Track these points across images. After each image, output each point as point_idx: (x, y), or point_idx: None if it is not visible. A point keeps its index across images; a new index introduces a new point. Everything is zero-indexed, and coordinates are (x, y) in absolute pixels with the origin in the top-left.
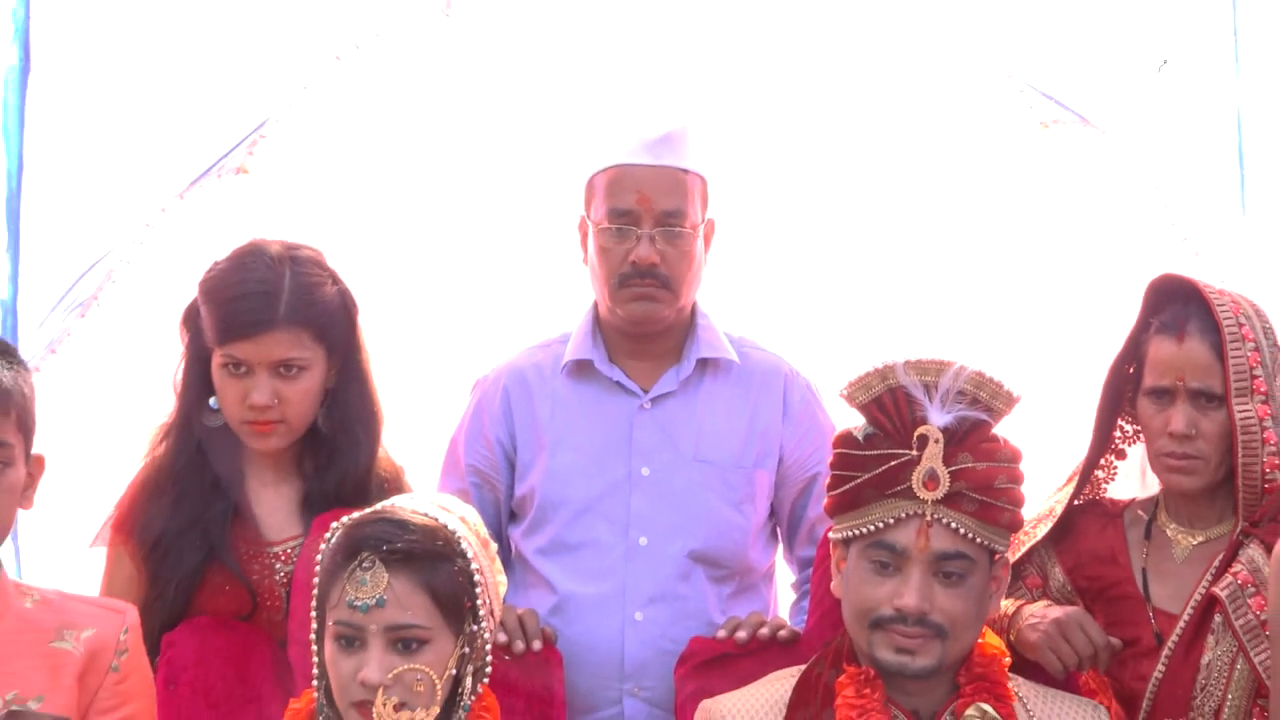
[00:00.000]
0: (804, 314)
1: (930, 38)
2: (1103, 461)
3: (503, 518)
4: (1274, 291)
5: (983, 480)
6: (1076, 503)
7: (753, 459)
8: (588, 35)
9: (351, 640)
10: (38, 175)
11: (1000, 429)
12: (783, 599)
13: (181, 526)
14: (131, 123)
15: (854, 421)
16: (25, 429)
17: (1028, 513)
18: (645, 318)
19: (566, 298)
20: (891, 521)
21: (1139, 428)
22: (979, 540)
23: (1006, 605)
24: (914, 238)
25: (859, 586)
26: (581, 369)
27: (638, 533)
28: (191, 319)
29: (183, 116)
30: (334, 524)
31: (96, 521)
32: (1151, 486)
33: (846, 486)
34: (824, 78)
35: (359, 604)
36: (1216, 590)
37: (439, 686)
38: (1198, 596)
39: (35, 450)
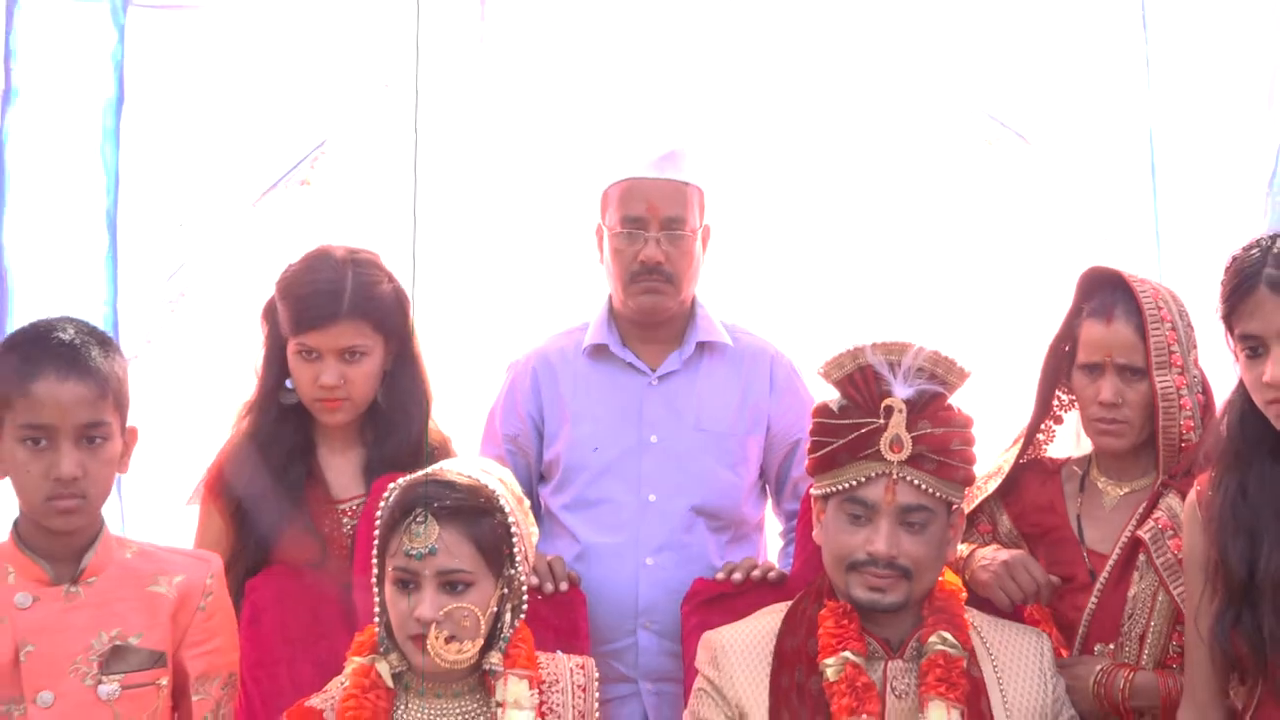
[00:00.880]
0: (787, 304)
1: (898, 70)
2: (1043, 426)
3: (534, 479)
4: (1182, 277)
5: (940, 443)
6: (1021, 461)
7: (745, 428)
8: (603, 66)
9: (407, 583)
10: (131, 191)
11: (955, 400)
12: (771, 546)
13: (263, 488)
14: (210, 143)
15: (830, 395)
16: (120, 407)
17: (979, 470)
18: (653, 308)
19: (586, 292)
20: (863, 480)
21: (1074, 397)
22: (938, 494)
23: (962, 549)
24: (881, 238)
25: (836, 535)
26: (599, 352)
27: (648, 491)
28: (270, 313)
29: (254, 137)
30: (391, 485)
31: (191, 484)
32: (1084, 447)
33: (824, 450)
34: (806, 104)
35: (414, 552)
36: (1141, 533)
37: (483, 622)
38: (1125, 539)
39: (130, 424)
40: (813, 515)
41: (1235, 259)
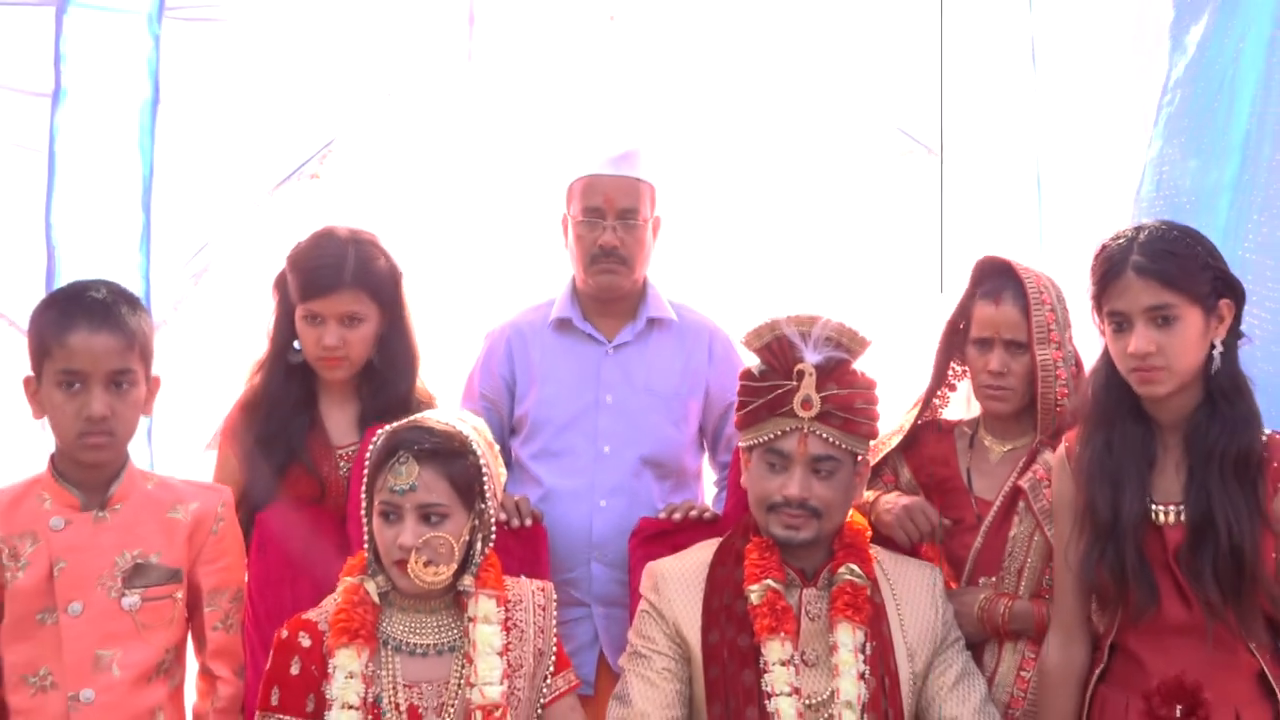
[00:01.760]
0: (725, 286)
1: (824, 90)
2: (939, 392)
3: (505, 432)
4: (1059, 270)
5: (845, 403)
6: (920, 422)
7: (687, 391)
8: (570, 80)
9: (391, 515)
10: (163, 179)
11: (859, 365)
12: (707, 492)
13: (272, 434)
14: (232, 139)
15: (752, 362)
16: (145, 358)
17: (885, 429)
18: (609, 287)
19: (553, 273)
20: (780, 434)
21: (966, 368)
22: (844, 447)
23: (869, 495)
24: (806, 233)
25: (758, 481)
26: (563, 325)
27: (603, 443)
28: (280, 283)
29: (270, 135)
30: (380, 431)
31: (210, 431)
32: (974, 410)
33: (747, 409)
34: (746, 115)
35: (397, 488)
36: (1021, 483)
37: (456, 549)
38: (1007, 488)
39: (154, 374)
40: (741, 465)
41: (1105, 248)
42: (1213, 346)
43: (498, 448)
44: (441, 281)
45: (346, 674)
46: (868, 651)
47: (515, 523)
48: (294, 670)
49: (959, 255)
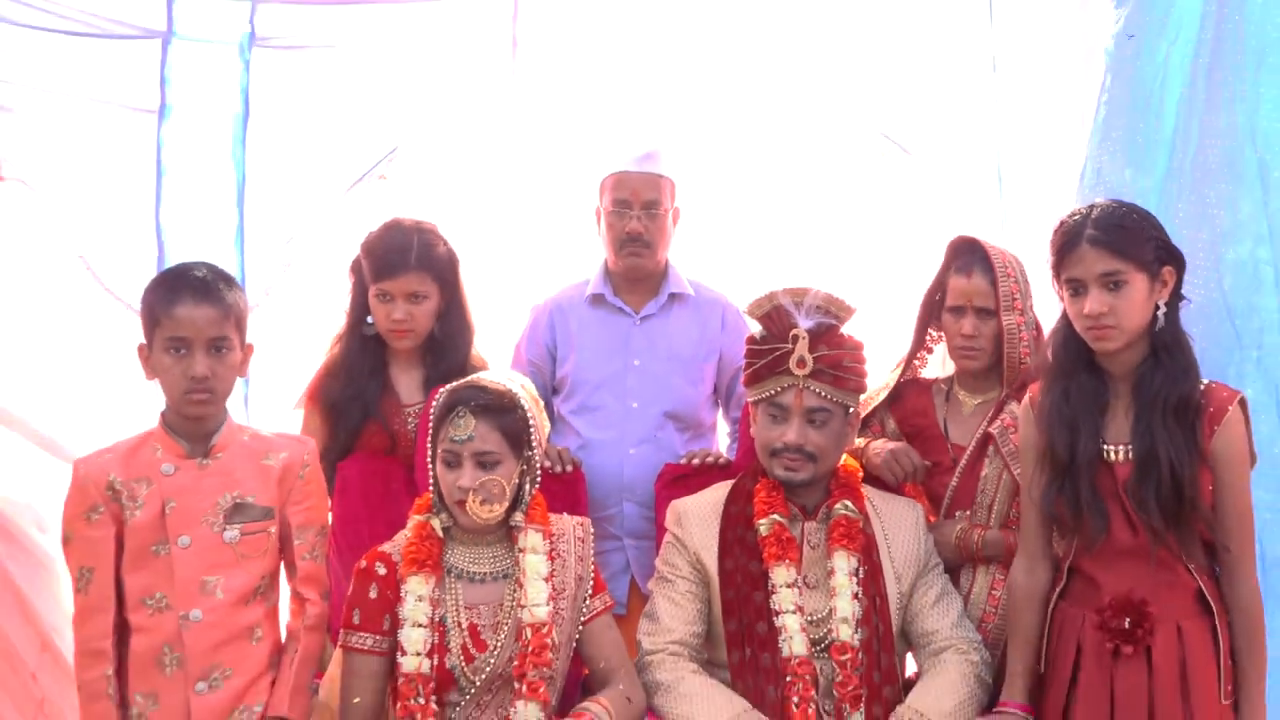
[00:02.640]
0: (735, 266)
1: (817, 100)
2: (919, 355)
3: (548, 392)
4: (1021, 247)
5: (834, 362)
6: (903, 380)
7: (703, 356)
8: (602, 91)
9: (452, 461)
10: (254, 183)
11: (846, 329)
12: (721, 441)
13: (350, 395)
14: (312, 147)
15: (754, 328)
16: (239, 327)
17: (874, 385)
18: (636, 268)
19: (587, 256)
20: (779, 390)
21: (942, 333)
22: (835, 400)
23: (860, 443)
24: (803, 220)
25: (762, 430)
26: (597, 300)
27: (632, 400)
28: (356, 267)
29: (344, 143)
30: (441, 390)
31: (297, 393)
32: (949, 369)
33: (752, 369)
34: (753, 122)
35: (457, 438)
36: (990, 430)
37: (507, 490)
38: (978, 435)
39: (248, 342)
40: (749, 417)
41: (1062, 223)
42: (1157, 307)
43: (542, 404)
44: (493, 264)
45: (416, 597)
46: (860, 575)
47: (558, 469)
48: (372, 595)
49: (931, 240)
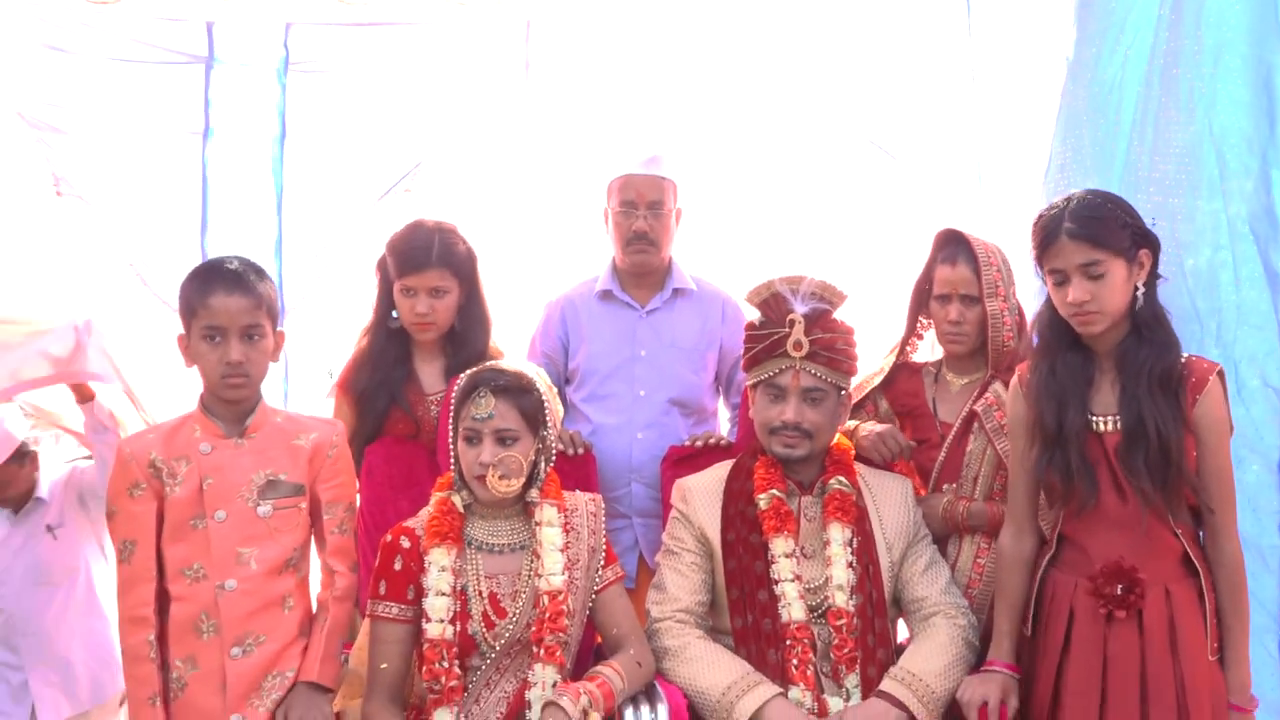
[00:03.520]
0: (733, 262)
1: (809, 107)
2: (910, 341)
3: (561, 381)
4: (1001, 238)
5: (828, 344)
6: (896, 363)
7: (704, 346)
8: (609, 98)
9: (473, 439)
10: (292, 195)
11: (839, 315)
12: (722, 425)
13: (378, 383)
14: (343, 163)
15: (753, 315)
16: (271, 315)
17: (868, 370)
18: (642, 265)
19: (598, 254)
20: (777, 371)
21: (931, 320)
22: (829, 380)
23: (853, 424)
24: (797, 219)
25: (761, 410)
26: (606, 295)
27: (639, 388)
28: (382, 264)
29: (373, 158)
30: (462, 375)
31: (330, 383)
32: (937, 353)
33: (751, 353)
34: (748, 125)
35: (478, 416)
36: (976, 408)
37: (524, 466)
38: (965, 413)
39: (280, 329)
40: (748, 400)
41: (1041, 216)
42: (1136, 289)
43: (556, 390)
44: (509, 264)
45: (439, 568)
46: (854, 545)
47: (571, 451)
48: (397, 566)
49: (916, 237)
